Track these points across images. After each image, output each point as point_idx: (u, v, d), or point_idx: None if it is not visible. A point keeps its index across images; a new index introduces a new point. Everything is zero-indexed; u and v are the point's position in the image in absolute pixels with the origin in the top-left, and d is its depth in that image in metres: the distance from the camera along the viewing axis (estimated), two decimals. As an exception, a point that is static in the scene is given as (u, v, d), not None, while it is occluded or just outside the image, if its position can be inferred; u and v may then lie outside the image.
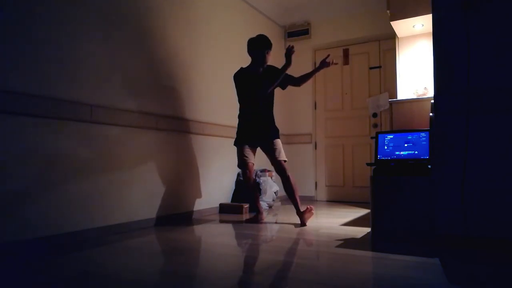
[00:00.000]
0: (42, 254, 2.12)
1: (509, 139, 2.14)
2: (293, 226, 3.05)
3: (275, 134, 3.28)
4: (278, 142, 3.25)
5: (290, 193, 3.18)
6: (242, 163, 3.24)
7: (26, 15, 2.24)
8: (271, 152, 3.22)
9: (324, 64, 3.29)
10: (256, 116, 3.24)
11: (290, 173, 3.21)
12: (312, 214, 3.16)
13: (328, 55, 3.31)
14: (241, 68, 3.31)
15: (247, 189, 3.40)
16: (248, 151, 3.24)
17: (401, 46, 3.74)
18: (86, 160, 2.55)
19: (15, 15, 2.19)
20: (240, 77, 3.27)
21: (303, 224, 3.07)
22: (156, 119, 3.14)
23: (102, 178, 2.66)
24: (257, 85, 3.19)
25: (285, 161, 3.21)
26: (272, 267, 1.98)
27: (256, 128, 3.24)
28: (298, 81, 3.37)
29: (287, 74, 3.21)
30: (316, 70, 3.37)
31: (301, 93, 5.09)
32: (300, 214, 3.11)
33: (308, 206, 3.15)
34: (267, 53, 3.22)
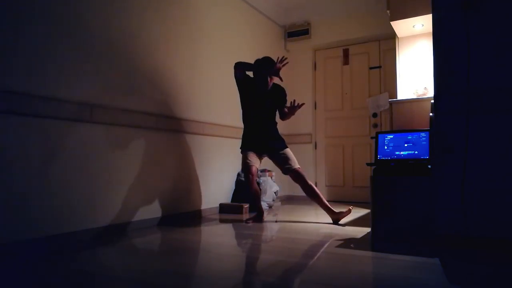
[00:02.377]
0: (42, 254, 2.12)
1: (509, 139, 2.14)
2: (292, 226, 3.05)
3: (283, 143, 3.31)
4: (289, 151, 3.27)
5: (317, 198, 3.18)
6: (245, 166, 3.22)
7: (26, 14, 2.24)
8: (283, 162, 3.22)
9: (293, 108, 3.27)
10: (259, 126, 3.25)
11: (308, 180, 3.20)
12: (348, 213, 3.13)
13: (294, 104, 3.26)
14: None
15: (249, 193, 3.36)
16: (252, 156, 3.24)
17: (401, 46, 3.74)
18: (86, 160, 2.55)
19: (15, 14, 2.19)
20: (247, 84, 3.27)
21: (336, 222, 3.11)
22: (156, 119, 3.14)
23: (102, 178, 2.66)
24: (263, 101, 3.21)
25: (299, 167, 3.22)
26: (272, 267, 1.98)
27: (260, 138, 3.25)
28: (284, 116, 3.41)
29: (283, 103, 3.32)
30: (291, 113, 3.33)
31: (301, 93, 5.08)
32: (335, 215, 3.12)
33: (348, 208, 3.14)
34: (271, 78, 3.21)
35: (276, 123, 3.36)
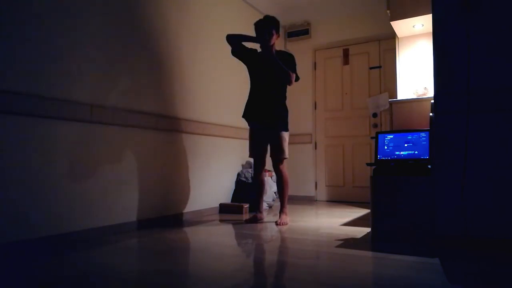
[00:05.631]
0: (42, 254, 2.12)
1: (509, 139, 2.14)
2: (293, 226, 3.05)
3: (284, 125, 3.17)
4: (285, 136, 3.16)
5: (280, 192, 3.27)
6: (254, 157, 3.25)
7: (26, 14, 2.24)
8: (276, 145, 3.14)
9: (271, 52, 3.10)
10: (261, 95, 3.15)
11: (286, 172, 3.23)
12: (285, 224, 3.12)
13: None
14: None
15: (254, 183, 3.37)
16: (258, 142, 3.20)
17: (401, 46, 3.74)
18: (86, 160, 2.55)
19: (14, 14, 2.19)
20: (248, 55, 3.21)
21: (276, 222, 3.15)
22: (156, 119, 3.14)
23: (102, 178, 2.66)
24: (268, 65, 3.09)
25: (285, 158, 3.19)
26: (272, 267, 1.98)
27: (262, 110, 3.14)
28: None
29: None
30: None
31: (301, 93, 5.09)
32: (281, 214, 3.20)
33: (285, 222, 3.14)
34: (271, 34, 3.08)
35: (283, 97, 3.20)
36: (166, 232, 2.81)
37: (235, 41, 3.15)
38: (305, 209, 4.15)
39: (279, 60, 3.08)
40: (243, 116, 3.27)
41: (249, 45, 3.25)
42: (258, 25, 3.15)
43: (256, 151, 3.24)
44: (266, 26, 3.09)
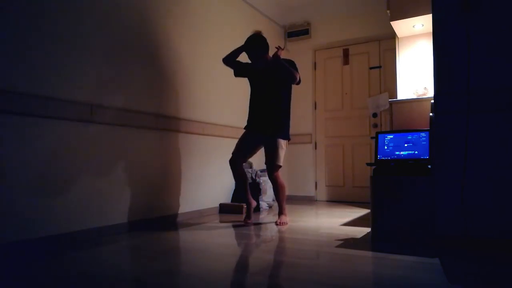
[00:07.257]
0: (42, 254, 2.12)
1: (509, 139, 2.14)
2: (293, 226, 3.05)
3: (283, 133, 3.15)
4: (282, 143, 3.12)
5: (277, 198, 3.23)
6: (234, 152, 3.20)
7: (26, 15, 2.24)
8: (270, 151, 3.12)
9: (276, 56, 3.07)
10: (260, 105, 3.17)
11: (281, 179, 3.17)
12: (285, 224, 3.12)
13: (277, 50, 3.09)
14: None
15: (235, 180, 3.35)
16: (246, 143, 3.17)
17: (401, 46, 3.74)
18: (86, 160, 2.55)
19: (15, 15, 2.19)
20: (245, 69, 3.26)
21: (276, 222, 3.13)
22: (156, 119, 3.14)
23: (102, 178, 2.66)
24: (266, 75, 3.13)
25: (280, 166, 3.12)
26: (272, 267, 1.98)
27: (261, 119, 3.15)
28: (287, 79, 3.25)
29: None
30: (280, 66, 3.09)
31: (301, 93, 5.08)
32: (280, 215, 3.18)
33: (285, 222, 3.13)
34: (259, 58, 3.13)
35: (284, 105, 3.19)
36: (166, 232, 2.81)
37: (231, 62, 3.25)
38: (305, 209, 4.15)
39: (275, 70, 3.10)
40: (245, 128, 3.26)
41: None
42: (246, 50, 3.17)
43: (241, 152, 3.17)
44: (253, 51, 3.12)
